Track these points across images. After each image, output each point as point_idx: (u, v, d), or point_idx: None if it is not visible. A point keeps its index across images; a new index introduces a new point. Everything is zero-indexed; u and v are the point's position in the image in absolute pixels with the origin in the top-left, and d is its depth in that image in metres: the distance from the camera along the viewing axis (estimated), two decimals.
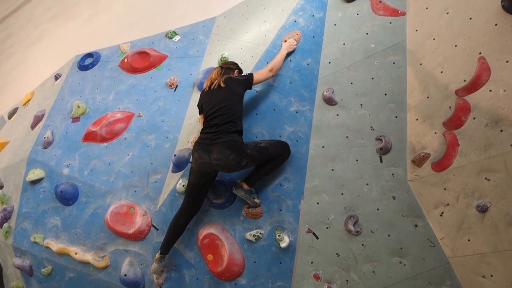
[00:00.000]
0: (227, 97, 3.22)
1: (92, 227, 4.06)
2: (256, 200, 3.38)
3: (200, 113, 3.47)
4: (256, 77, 3.34)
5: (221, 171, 3.32)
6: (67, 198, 4.18)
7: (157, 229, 3.80)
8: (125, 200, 4.01)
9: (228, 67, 3.49)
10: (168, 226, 3.50)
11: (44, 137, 4.57)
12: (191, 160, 3.71)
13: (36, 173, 4.38)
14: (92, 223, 4.07)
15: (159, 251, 3.49)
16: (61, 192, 4.17)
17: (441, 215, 2.72)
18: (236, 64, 3.58)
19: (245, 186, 3.30)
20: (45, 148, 4.56)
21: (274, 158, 3.25)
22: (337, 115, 3.28)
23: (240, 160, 3.08)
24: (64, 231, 4.16)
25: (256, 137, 3.51)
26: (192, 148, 3.34)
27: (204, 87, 3.47)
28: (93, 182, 4.19)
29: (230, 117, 3.16)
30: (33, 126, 4.95)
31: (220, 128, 3.13)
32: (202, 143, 3.16)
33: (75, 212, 4.17)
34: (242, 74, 3.46)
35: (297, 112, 3.43)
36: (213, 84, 3.33)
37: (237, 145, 3.10)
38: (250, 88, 3.38)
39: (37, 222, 4.29)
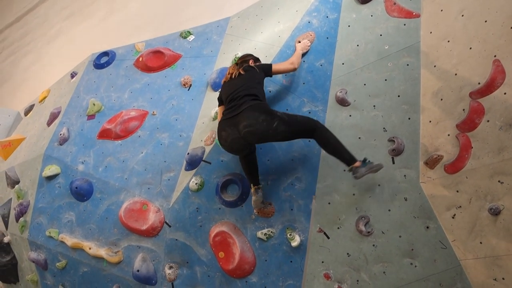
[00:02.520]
0: (246, 80, 3.22)
1: (106, 223, 4.13)
2: (376, 163, 2.93)
3: (219, 105, 3.48)
4: (276, 66, 3.34)
5: (253, 141, 3.08)
6: (82, 194, 4.25)
7: (169, 226, 3.85)
8: (138, 197, 4.07)
9: (243, 60, 3.53)
10: (242, 166, 3.40)
11: (60, 134, 4.65)
12: (204, 159, 3.76)
13: (52, 169, 4.46)
14: (106, 219, 4.13)
15: (251, 184, 3.36)
16: (76, 188, 4.25)
17: (453, 217, 2.72)
18: (250, 55, 3.62)
19: (357, 163, 2.89)
20: (60, 144, 4.64)
21: (311, 129, 3.00)
22: (350, 116, 3.30)
23: (271, 120, 2.91)
24: (79, 226, 4.24)
25: None
26: (216, 131, 3.24)
27: (223, 81, 3.48)
28: (107, 179, 4.26)
29: (251, 92, 3.11)
30: (49, 123, 5.04)
31: (241, 100, 3.08)
32: (226, 119, 3.10)
33: (90, 208, 4.24)
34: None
35: (309, 112, 3.45)
36: (232, 74, 3.35)
37: (265, 107, 3.04)
38: (270, 75, 3.36)
39: (52, 217, 4.37)
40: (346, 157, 2.92)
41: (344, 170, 3.05)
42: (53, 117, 5.03)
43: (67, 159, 4.50)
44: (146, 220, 3.92)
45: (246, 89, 3.14)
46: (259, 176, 3.41)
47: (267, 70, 3.33)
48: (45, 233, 4.34)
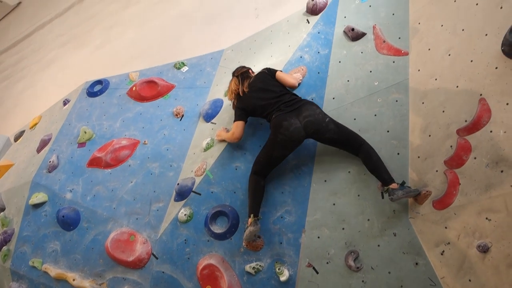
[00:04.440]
0: (268, 89, 3.46)
1: (91, 253, 4.05)
2: (413, 189, 2.88)
3: (240, 119, 3.54)
4: (281, 74, 3.57)
5: (310, 131, 3.16)
6: (69, 223, 4.19)
7: (156, 258, 3.78)
8: (126, 227, 4.01)
9: (242, 73, 3.72)
10: (249, 190, 3.39)
11: (50, 161, 4.62)
12: (194, 190, 3.74)
13: (39, 197, 4.41)
14: (92, 249, 4.06)
15: (251, 215, 3.28)
16: (63, 216, 4.18)
17: (442, 254, 2.72)
18: (244, 66, 3.86)
19: (394, 185, 2.88)
20: (49, 172, 4.60)
21: (359, 143, 3.10)
22: (340, 149, 3.32)
23: (324, 115, 3.20)
24: (63, 256, 4.15)
25: None
26: (273, 125, 3.28)
27: (231, 98, 3.71)
28: (95, 208, 4.21)
29: (290, 92, 3.45)
30: (39, 150, 5.02)
31: (291, 97, 3.35)
32: (286, 112, 3.24)
33: (76, 237, 4.16)
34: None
35: (300, 145, 3.47)
36: (244, 91, 3.57)
37: (318, 106, 3.31)
38: (275, 74, 3.58)
39: (37, 246, 4.28)
40: (385, 177, 2.94)
41: (381, 192, 3.03)
42: (44, 143, 5.01)
43: (55, 186, 4.46)
44: (133, 251, 3.85)
45: (283, 89, 3.46)
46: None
47: (273, 74, 3.58)
48: (28, 262, 4.24)
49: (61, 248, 4.18)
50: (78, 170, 4.52)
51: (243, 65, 3.94)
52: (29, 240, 4.35)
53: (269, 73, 3.57)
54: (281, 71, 3.61)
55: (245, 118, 3.57)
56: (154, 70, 5.09)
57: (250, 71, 3.77)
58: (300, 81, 3.65)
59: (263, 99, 3.42)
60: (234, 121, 3.57)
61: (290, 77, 3.57)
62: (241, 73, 3.71)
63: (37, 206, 4.43)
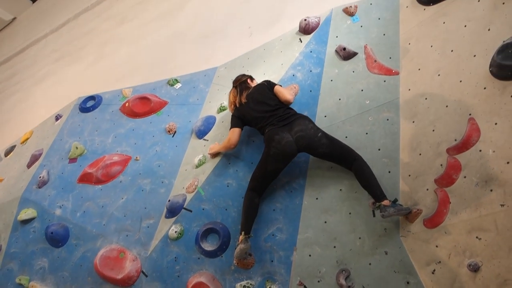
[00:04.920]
0: (264, 102, 3.49)
1: (80, 270, 3.98)
2: (405, 207, 2.89)
3: (236, 126, 3.59)
4: (279, 88, 3.58)
5: (301, 145, 3.19)
6: (57, 239, 4.13)
7: (146, 276, 3.73)
8: (116, 244, 3.96)
9: (240, 83, 3.77)
10: (243, 207, 3.34)
11: (40, 177, 4.58)
12: (185, 206, 3.72)
13: (28, 213, 4.35)
14: (80, 266, 3.99)
15: (242, 232, 3.25)
16: (52, 233, 4.13)
17: (433, 273, 2.71)
18: (244, 74, 3.90)
19: (386, 202, 2.86)
20: (39, 187, 4.56)
21: (352, 157, 3.11)
22: (331, 167, 3.33)
23: (317, 130, 3.23)
24: (51, 273, 4.08)
25: None
26: (266, 138, 3.33)
27: (234, 104, 3.71)
28: (85, 224, 4.16)
29: (286, 106, 3.49)
30: (29, 165, 4.97)
31: (285, 112, 3.39)
32: (278, 126, 3.29)
33: (64, 254, 4.10)
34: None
35: (292, 162, 3.48)
36: (241, 102, 3.62)
37: (311, 120, 3.36)
38: (273, 87, 3.59)
39: (24, 263, 4.21)
40: (377, 193, 2.94)
41: (373, 210, 3.05)
42: (34, 159, 4.97)
43: (44, 202, 4.41)
44: (122, 268, 3.79)
45: (278, 103, 3.48)
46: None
47: (271, 87, 3.59)
48: (15, 280, 4.17)
49: (49, 265, 4.12)
50: (68, 186, 4.47)
51: (243, 73, 3.99)
52: (16, 257, 4.27)
53: (268, 86, 3.61)
54: (280, 85, 3.64)
55: (241, 126, 3.61)
56: (148, 87, 5.11)
57: (249, 80, 3.81)
58: (292, 99, 3.67)
59: (258, 111, 3.46)
60: (231, 128, 3.62)
61: (287, 93, 3.57)
62: (240, 83, 3.77)
63: (25, 222, 4.36)
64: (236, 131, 3.58)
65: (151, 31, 6.63)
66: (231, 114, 3.71)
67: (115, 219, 4.09)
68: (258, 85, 3.68)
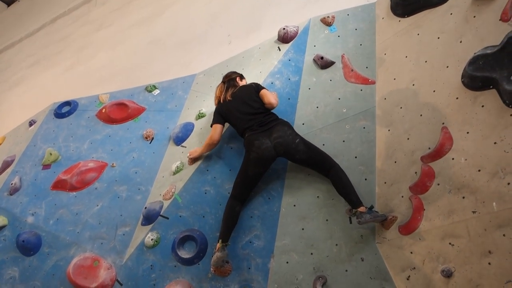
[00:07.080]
0: (248, 103, 3.49)
1: (52, 279, 3.87)
2: (381, 213, 2.94)
3: (218, 122, 3.60)
4: (265, 92, 3.55)
5: (280, 151, 3.23)
6: (29, 248, 4.01)
7: (121, 284, 3.65)
8: (90, 252, 3.88)
9: (229, 79, 3.77)
10: (224, 215, 3.33)
11: (11, 183, 4.46)
12: (162, 214, 3.68)
13: None
14: (52, 275, 3.88)
15: (219, 240, 3.25)
16: (23, 241, 4.01)
17: (407, 279, 2.75)
18: (234, 72, 3.90)
19: (362, 208, 2.90)
20: (11, 194, 4.44)
21: (329, 165, 3.15)
22: (309, 174, 3.36)
23: (295, 136, 3.25)
24: (22, 283, 3.95)
25: (228, 193, 3.51)
26: (246, 143, 3.36)
27: (218, 101, 3.74)
28: (58, 232, 4.06)
29: (267, 111, 3.47)
30: (0, 172, 4.83)
31: (266, 117, 3.40)
32: (258, 131, 3.31)
33: (36, 263, 3.98)
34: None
35: (270, 169, 3.49)
36: (228, 94, 3.63)
37: (291, 126, 3.38)
38: (260, 90, 3.57)
39: None
40: (353, 199, 2.98)
41: (349, 217, 3.07)
42: (6, 165, 4.83)
43: (16, 210, 4.29)
44: (96, 277, 3.70)
45: (261, 107, 3.47)
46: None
47: (258, 90, 3.57)
48: None
49: (20, 275, 3.98)
50: (41, 193, 4.36)
51: (235, 70, 4.01)
52: None
53: (256, 88, 3.60)
54: (267, 89, 3.63)
55: (222, 122, 3.62)
56: (125, 93, 5.05)
57: (238, 78, 3.82)
58: None
59: (240, 111, 3.48)
60: (212, 124, 3.62)
61: (272, 97, 3.53)
62: (229, 80, 3.78)
63: None
64: (218, 127, 3.59)
65: (129, 37, 6.58)
66: (202, 126, 3.70)
67: (90, 226, 4.01)
68: (246, 85, 3.69)
